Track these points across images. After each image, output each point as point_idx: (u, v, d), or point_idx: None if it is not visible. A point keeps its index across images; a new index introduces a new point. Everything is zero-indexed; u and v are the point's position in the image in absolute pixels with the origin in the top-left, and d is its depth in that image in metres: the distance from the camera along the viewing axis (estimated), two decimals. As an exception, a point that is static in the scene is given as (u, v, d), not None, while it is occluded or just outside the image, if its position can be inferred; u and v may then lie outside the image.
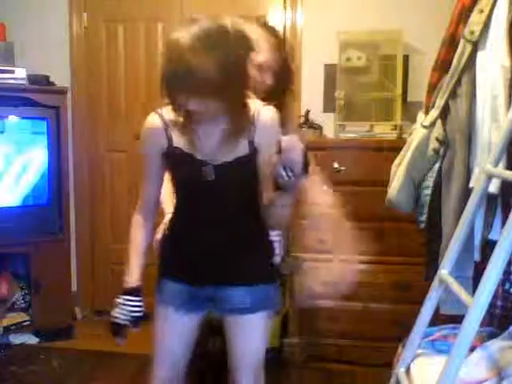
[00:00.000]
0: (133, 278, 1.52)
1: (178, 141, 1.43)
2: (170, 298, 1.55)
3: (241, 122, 1.38)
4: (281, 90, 1.74)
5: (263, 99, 1.47)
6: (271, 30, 1.70)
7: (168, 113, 1.42)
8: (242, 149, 1.41)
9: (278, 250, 1.79)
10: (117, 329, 1.50)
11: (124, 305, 1.50)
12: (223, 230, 1.48)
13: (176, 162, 1.45)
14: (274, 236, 1.76)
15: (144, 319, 1.52)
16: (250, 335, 1.57)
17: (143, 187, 1.55)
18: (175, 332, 1.57)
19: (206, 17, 1.35)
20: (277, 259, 1.75)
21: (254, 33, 1.60)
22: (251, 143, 1.41)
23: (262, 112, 1.41)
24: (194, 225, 1.51)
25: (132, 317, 1.49)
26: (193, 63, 1.22)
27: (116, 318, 1.50)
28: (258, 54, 1.60)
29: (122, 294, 1.51)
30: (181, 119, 1.40)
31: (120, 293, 1.52)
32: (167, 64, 1.28)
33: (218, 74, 1.23)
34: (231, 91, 1.29)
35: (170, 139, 1.43)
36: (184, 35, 1.25)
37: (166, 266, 1.57)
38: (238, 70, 1.30)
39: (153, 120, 1.45)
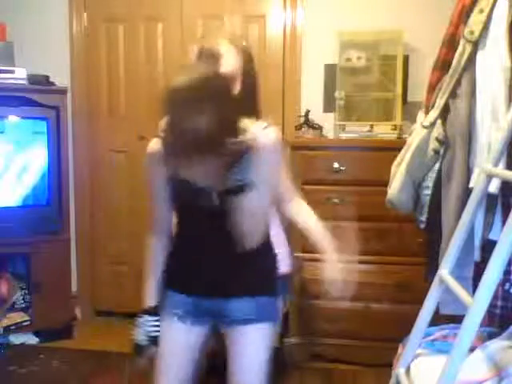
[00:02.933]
0: (150, 297, 1.56)
1: (182, 170, 1.42)
2: (174, 309, 1.56)
3: (234, 155, 1.36)
4: (249, 98, 1.78)
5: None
6: (239, 44, 1.78)
7: None
8: (243, 174, 1.40)
9: (286, 260, 1.80)
10: (139, 349, 1.54)
11: (144, 325, 1.54)
12: (226, 246, 1.49)
13: (177, 187, 1.46)
14: (281, 248, 1.78)
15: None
16: (254, 347, 1.56)
17: (154, 210, 1.56)
18: (178, 343, 1.56)
19: (194, 65, 1.41)
20: (285, 269, 1.77)
21: (224, 46, 1.68)
22: (251, 168, 1.40)
23: (262, 136, 1.40)
24: (195, 242, 1.53)
25: (150, 337, 1.54)
26: (186, 121, 1.22)
27: (137, 339, 1.55)
28: (225, 66, 1.70)
29: (142, 313, 1.55)
30: None
31: (139, 313, 1.56)
32: (165, 111, 1.27)
33: (209, 132, 1.23)
34: (221, 145, 1.28)
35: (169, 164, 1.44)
36: (179, 85, 1.26)
37: (171, 277, 1.58)
38: (228, 123, 1.29)
39: (155, 144, 1.45)
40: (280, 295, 1.65)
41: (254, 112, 1.65)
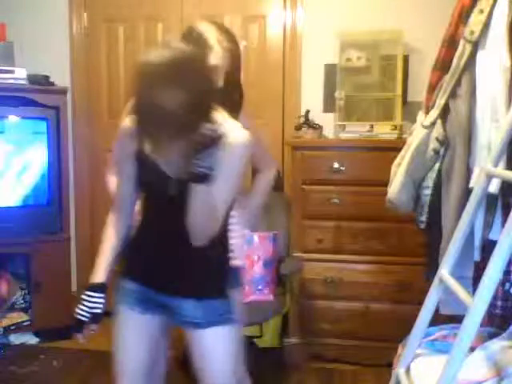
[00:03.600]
0: (98, 274, 1.52)
1: (146, 146, 1.41)
2: (125, 297, 1.54)
3: (201, 142, 1.30)
4: (233, 92, 1.75)
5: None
6: (229, 35, 1.74)
7: None
8: (205, 164, 1.32)
9: (239, 251, 1.78)
10: (77, 325, 1.53)
11: (86, 301, 1.51)
12: (180, 242, 1.44)
13: (142, 166, 1.45)
14: (235, 238, 1.76)
15: (103, 316, 1.52)
16: (209, 354, 1.52)
17: (118, 186, 1.55)
18: (132, 331, 1.55)
19: (174, 41, 1.33)
20: (238, 263, 1.74)
21: (212, 35, 1.64)
22: (214, 160, 1.33)
23: (232, 134, 1.36)
24: (154, 230, 1.50)
25: (92, 313, 1.50)
26: (157, 95, 1.18)
27: (77, 313, 1.52)
28: (212, 57, 1.65)
29: (85, 289, 1.52)
30: None
31: (85, 289, 1.53)
32: (136, 85, 1.25)
33: (178, 110, 1.19)
34: (190, 127, 1.25)
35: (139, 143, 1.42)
36: (156, 59, 1.22)
37: (126, 265, 1.57)
38: (201, 106, 1.26)
39: (127, 123, 1.46)
40: (234, 288, 1.60)
41: (232, 111, 1.62)
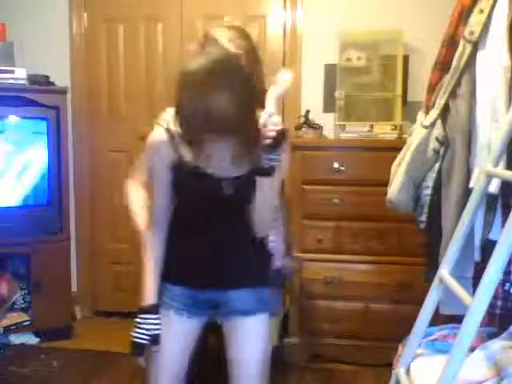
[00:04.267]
0: (148, 295, 1.52)
1: (186, 154, 1.42)
2: (171, 301, 1.54)
3: (252, 143, 1.36)
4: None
5: None
6: (241, 32, 1.74)
7: (171, 124, 1.41)
8: (255, 162, 1.39)
9: (278, 253, 1.80)
10: (137, 349, 1.50)
11: (142, 324, 1.50)
12: (235, 238, 1.52)
13: (185, 175, 1.45)
14: (272, 241, 1.78)
15: (160, 336, 1.52)
16: (254, 339, 1.55)
17: (153, 202, 1.54)
18: (175, 337, 1.55)
19: (214, 46, 1.42)
20: (278, 264, 1.77)
21: (224, 36, 1.63)
22: (271, 153, 1.37)
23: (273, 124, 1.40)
24: (198, 233, 1.52)
25: (151, 335, 1.49)
26: (211, 103, 1.23)
27: (136, 337, 1.50)
28: None
29: (140, 312, 1.51)
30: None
31: (138, 312, 1.52)
32: (182, 95, 1.28)
33: (235, 112, 1.25)
34: (247, 125, 1.31)
35: (177, 152, 1.43)
36: (198, 68, 1.26)
37: (167, 269, 1.56)
38: (251, 102, 1.32)
39: (159, 134, 1.45)
40: (277, 287, 1.67)
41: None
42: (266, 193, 1.42)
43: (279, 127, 1.32)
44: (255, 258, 1.57)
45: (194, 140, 1.35)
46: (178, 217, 1.55)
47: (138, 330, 1.50)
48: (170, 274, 1.55)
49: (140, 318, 1.51)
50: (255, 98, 1.34)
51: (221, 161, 1.41)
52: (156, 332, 1.50)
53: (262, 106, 1.55)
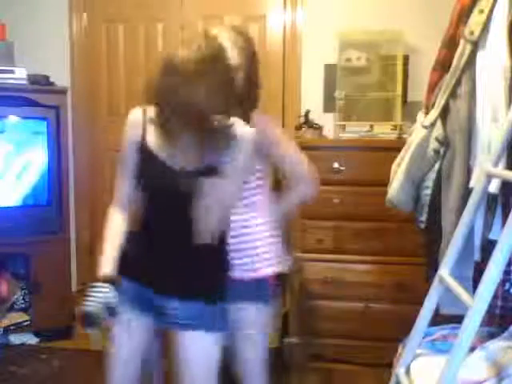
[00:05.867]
0: (108, 267, 1.48)
1: (152, 139, 1.44)
2: (123, 297, 1.50)
3: (212, 137, 1.36)
4: (250, 91, 1.76)
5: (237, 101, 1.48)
6: (241, 34, 1.74)
7: (151, 110, 1.44)
8: (219, 157, 1.38)
9: (275, 255, 1.78)
10: (90, 319, 1.41)
11: (98, 292, 1.42)
12: (180, 240, 1.44)
13: (146, 161, 1.45)
14: (269, 243, 1.76)
15: (117, 310, 1.43)
16: (191, 356, 1.49)
17: (119, 183, 1.54)
18: (125, 334, 1.53)
19: (201, 36, 1.40)
20: (272, 269, 1.74)
21: (225, 37, 1.64)
22: (228, 153, 1.38)
23: (239, 130, 1.40)
24: (155, 229, 1.49)
25: (107, 306, 1.41)
26: (184, 87, 1.27)
27: (89, 306, 1.41)
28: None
29: (96, 281, 1.45)
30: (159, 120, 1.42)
31: (93, 281, 1.45)
32: (161, 77, 1.33)
33: (205, 102, 1.28)
34: (211, 117, 1.31)
35: (144, 135, 1.45)
36: (181, 56, 1.30)
37: (124, 264, 1.54)
38: (224, 97, 1.33)
39: (135, 113, 1.49)
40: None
41: (249, 109, 1.64)
42: (213, 195, 1.36)
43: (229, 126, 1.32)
44: (206, 269, 1.48)
45: (162, 124, 1.36)
46: (141, 211, 1.53)
47: (89, 299, 1.41)
48: (124, 268, 1.52)
49: (92, 286, 1.43)
50: (229, 95, 1.34)
51: (182, 154, 1.40)
52: (111, 304, 1.41)
53: (253, 106, 1.55)
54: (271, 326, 1.87)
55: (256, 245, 1.72)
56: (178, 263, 1.47)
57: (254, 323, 1.73)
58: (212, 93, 1.27)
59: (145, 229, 1.52)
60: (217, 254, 1.53)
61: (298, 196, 1.82)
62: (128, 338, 1.53)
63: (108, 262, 1.49)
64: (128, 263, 1.53)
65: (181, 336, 1.49)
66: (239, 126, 1.40)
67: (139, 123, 1.46)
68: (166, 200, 1.44)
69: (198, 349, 1.49)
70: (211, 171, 1.35)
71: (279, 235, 1.81)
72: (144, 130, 1.46)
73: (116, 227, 1.54)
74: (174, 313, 1.48)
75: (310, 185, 1.78)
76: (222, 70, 1.33)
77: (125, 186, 1.53)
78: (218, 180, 1.35)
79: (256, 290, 1.72)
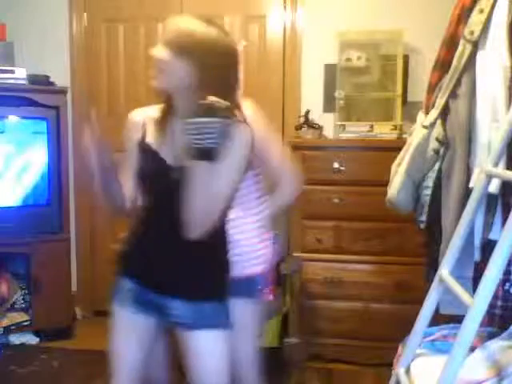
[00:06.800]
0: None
1: (151, 138, 1.48)
2: (119, 295, 1.52)
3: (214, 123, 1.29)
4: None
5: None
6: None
7: (151, 111, 1.50)
8: (208, 142, 1.28)
9: (268, 255, 1.78)
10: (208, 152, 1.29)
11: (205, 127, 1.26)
12: (175, 238, 1.39)
13: (143, 154, 1.48)
14: (263, 243, 1.76)
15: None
16: (198, 356, 1.48)
17: (125, 179, 1.54)
18: (123, 332, 1.54)
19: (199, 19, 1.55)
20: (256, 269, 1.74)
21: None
22: (217, 141, 1.29)
23: (238, 127, 1.38)
24: (152, 227, 1.49)
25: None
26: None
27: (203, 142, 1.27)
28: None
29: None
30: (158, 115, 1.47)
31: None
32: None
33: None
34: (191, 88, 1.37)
35: (143, 133, 1.49)
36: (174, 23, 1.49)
37: (124, 262, 1.55)
38: (206, 73, 1.40)
39: (134, 114, 1.54)
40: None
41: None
42: (201, 182, 1.29)
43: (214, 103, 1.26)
44: (202, 267, 1.46)
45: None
46: (141, 211, 1.54)
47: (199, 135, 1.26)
48: (123, 266, 1.54)
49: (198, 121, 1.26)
50: (215, 79, 1.38)
51: (175, 148, 1.42)
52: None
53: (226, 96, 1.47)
54: (261, 322, 1.86)
55: (244, 243, 1.71)
56: (177, 262, 1.46)
57: (243, 317, 1.72)
58: (193, 62, 1.41)
59: (144, 229, 1.53)
60: (216, 253, 1.52)
61: (281, 195, 1.80)
62: (130, 338, 1.54)
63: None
64: (128, 263, 1.54)
65: (185, 336, 1.49)
66: (240, 122, 1.40)
67: (138, 123, 1.51)
68: (162, 193, 1.45)
69: (205, 348, 1.49)
70: (202, 153, 1.27)
71: (268, 234, 1.82)
72: (143, 129, 1.50)
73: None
74: (175, 312, 1.48)
75: (293, 183, 1.77)
76: (206, 42, 1.48)
77: (126, 186, 1.53)
78: (206, 163, 1.28)
79: (246, 287, 1.72)
